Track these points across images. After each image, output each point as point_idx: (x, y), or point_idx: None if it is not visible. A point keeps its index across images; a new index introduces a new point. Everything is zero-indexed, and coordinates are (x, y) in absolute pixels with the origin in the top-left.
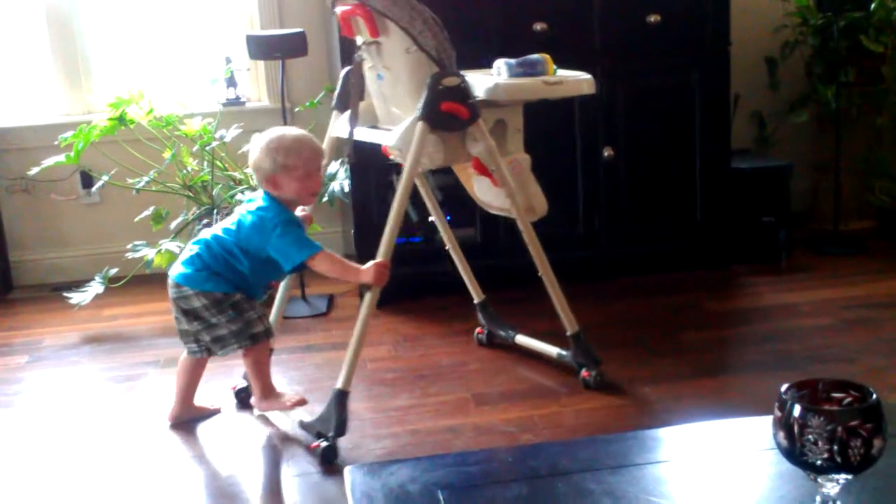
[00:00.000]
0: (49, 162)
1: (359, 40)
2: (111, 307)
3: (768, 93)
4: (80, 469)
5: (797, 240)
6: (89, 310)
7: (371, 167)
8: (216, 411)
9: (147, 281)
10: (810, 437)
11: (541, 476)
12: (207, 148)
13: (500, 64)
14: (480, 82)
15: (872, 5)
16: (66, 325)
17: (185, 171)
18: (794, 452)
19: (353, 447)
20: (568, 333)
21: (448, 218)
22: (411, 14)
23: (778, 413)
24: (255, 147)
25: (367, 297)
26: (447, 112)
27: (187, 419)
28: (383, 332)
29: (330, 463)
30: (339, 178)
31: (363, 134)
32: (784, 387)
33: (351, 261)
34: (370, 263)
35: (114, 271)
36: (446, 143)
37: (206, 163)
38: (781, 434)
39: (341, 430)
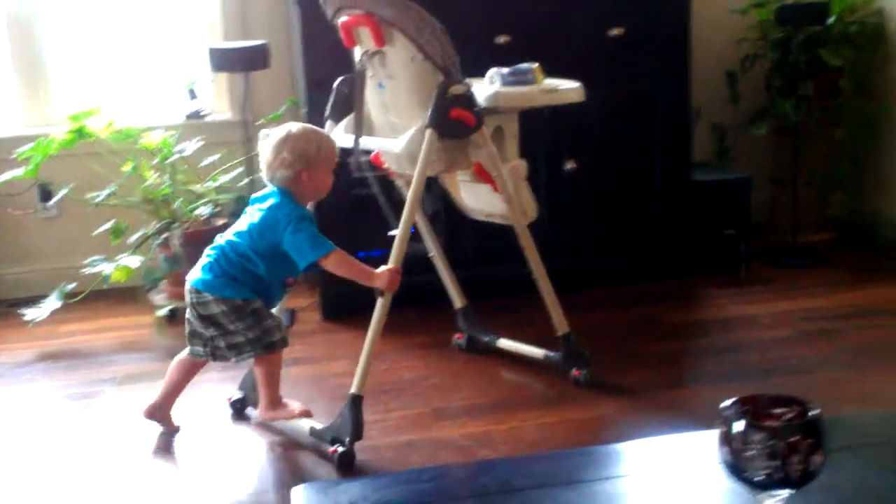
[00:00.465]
0: (7, 176)
1: (358, 51)
2: (68, 323)
3: (729, 106)
4: (33, 490)
5: (756, 252)
6: (45, 326)
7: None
8: (176, 429)
9: (105, 296)
10: (751, 452)
11: (493, 493)
12: (168, 161)
13: (493, 73)
14: (479, 90)
15: (831, 19)
16: (21, 341)
17: (145, 185)
18: (736, 468)
19: (312, 465)
20: (559, 334)
21: (412, 230)
22: (419, 23)
23: (720, 429)
24: (289, 136)
25: (380, 301)
26: (455, 119)
27: (157, 420)
28: (346, 346)
29: (348, 468)
30: None
31: (368, 142)
32: (726, 402)
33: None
34: (383, 268)
35: (71, 286)
36: (448, 151)
37: (166, 176)
38: (724, 450)
39: (358, 434)
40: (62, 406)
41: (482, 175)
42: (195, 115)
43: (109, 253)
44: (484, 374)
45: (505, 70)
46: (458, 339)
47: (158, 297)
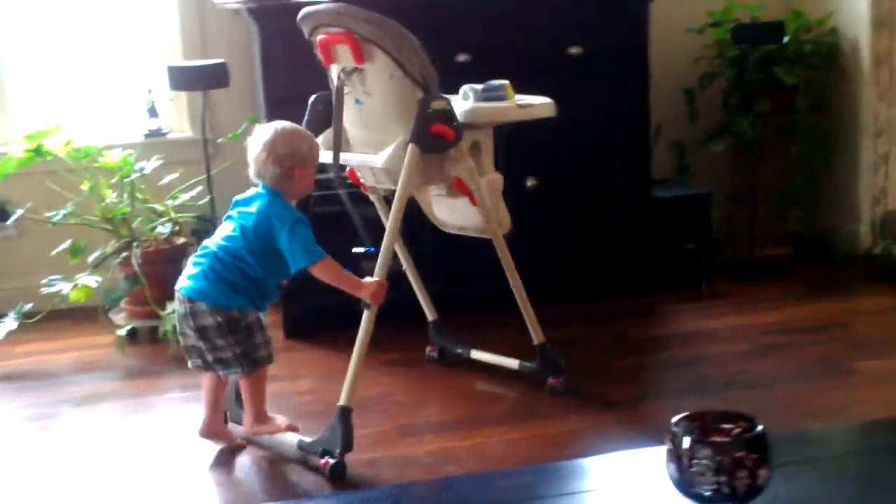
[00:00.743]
0: None
1: (335, 68)
2: (25, 344)
3: (688, 123)
4: None
5: (716, 266)
6: (2, 347)
7: None
8: (236, 442)
9: (64, 316)
10: (698, 468)
11: None
12: (127, 180)
13: (467, 89)
14: (457, 106)
15: (786, 38)
16: None
17: (103, 204)
18: (684, 484)
19: (272, 485)
20: (535, 343)
21: (371, 249)
22: (399, 40)
23: (668, 445)
24: (282, 133)
25: (366, 314)
26: (436, 134)
27: (214, 438)
28: (307, 364)
29: (340, 479)
30: None
31: (348, 158)
32: (675, 418)
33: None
34: (369, 279)
35: (29, 306)
36: (425, 165)
37: (125, 195)
38: (672, 466)
39: (348, 446)
40: (19, 427)
41: (461, 188)
42: (155, 134)
43: (68, 272)
44: (450, 390)
45: (478, 86)
46: (430, 351)
47: (118, 317)
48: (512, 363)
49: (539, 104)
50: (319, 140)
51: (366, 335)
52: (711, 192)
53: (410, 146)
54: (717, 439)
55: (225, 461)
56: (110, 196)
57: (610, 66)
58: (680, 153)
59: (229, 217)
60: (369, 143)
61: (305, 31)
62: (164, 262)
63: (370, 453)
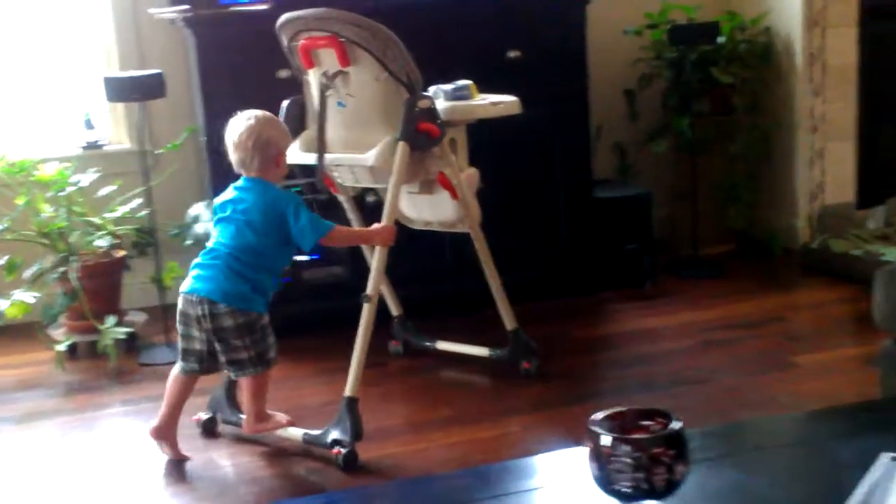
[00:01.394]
0: None
1: (313, 73)
2: None
3: (628, 124)
4: None
5: (660, 265)
6: None
7: None
8: (184, 458)
9: (0, 333)
10: (617, 465)
11: None
12: (63, 193)
13: (436, 90)
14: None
15: (721, 39)
16: None
17: (39, 218)
18: (605, 481)
19: (217, 494)
20: (508, 329)
21: (317, 257)
22: (385, 43)
23: (589, 444)
24: (263, 121)
25: (366, 307)
26: (423, 132)
27: (163, 441)
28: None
29: (352, 468)
30: (203, 219)
31: (337, 158)
32: (595, 417)
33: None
34: (377, 225)
35: None
36: (410, 162)
37: (62, 209)
38: (594, 464)
39: (358, 434)
40: None
41: (444, 183)
42: (92, 146)
43: (4, 289)
44: (391, 397)
45: (447, 87)
46: (395, 346)
47: (57, 333)
48: (482, 352)
49: (509, 102)
50: (297, 142)
51: (367, 328)
52: (651, 192)
53: (401, 144)
54: (636, 437)
55: (173, 470)
56: (46, 210)
57: (549, 69)
58: (622, 154)
59: (224, 219)
60: (352, 144)
61: (285, 37)
62: (104, 276)
63: (315, 462)
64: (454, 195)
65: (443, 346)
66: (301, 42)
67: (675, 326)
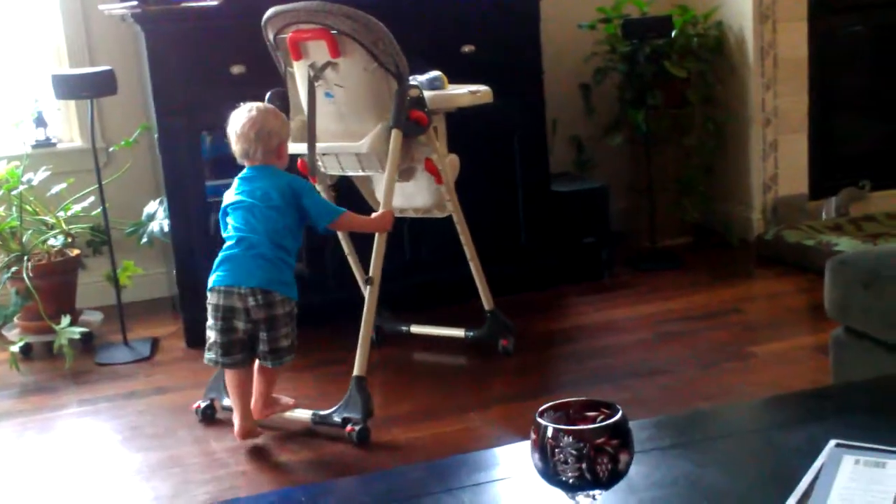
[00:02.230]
0: None
1: (299, 65)
2: None
3: (585, 118)
4: None
5: (618, 258)
6: None
7: (190, 206)
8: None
9: None
10: (562, 456)
11: None
12: (14, 192)
13: (412, 80)
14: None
15: (674, 32)
16: None
17: None
18: (549, 472)
19: (174, 494)
20: (486, 309)
21: None
22: (376, 34)
23: (533, 435)
24: (265, 113)
25: (370, 289)
26: (414, 119)
27: (255, 436)
28: (206, 372)
29: (365, 441)
30: (159, 217)
31: (329, 147)
32: (540, 409)
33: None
34: (376, 214)
35: None
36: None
37: (13, 208)
38: (537, 455)
39: (369, 411)
40: None
41: (431, 169)
42: (43, 144)
43: None
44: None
45: (422, 77)
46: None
47: (11, 334)
48: (457, 333)
49: (484, 91)
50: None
51: (371, 308)
52: (607, 185)
53: (394, 131)
54: (579, 427)
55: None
56: None
57: (504, 64)
58: (579, 147)
59: (243, 207)
60: (340, 134)
61: (272, 30)
62: (58, 275)
63: (277, 458)
64: (439, 180)
65: (417, 329)
66: (289, 35)
67: (634, 318)
